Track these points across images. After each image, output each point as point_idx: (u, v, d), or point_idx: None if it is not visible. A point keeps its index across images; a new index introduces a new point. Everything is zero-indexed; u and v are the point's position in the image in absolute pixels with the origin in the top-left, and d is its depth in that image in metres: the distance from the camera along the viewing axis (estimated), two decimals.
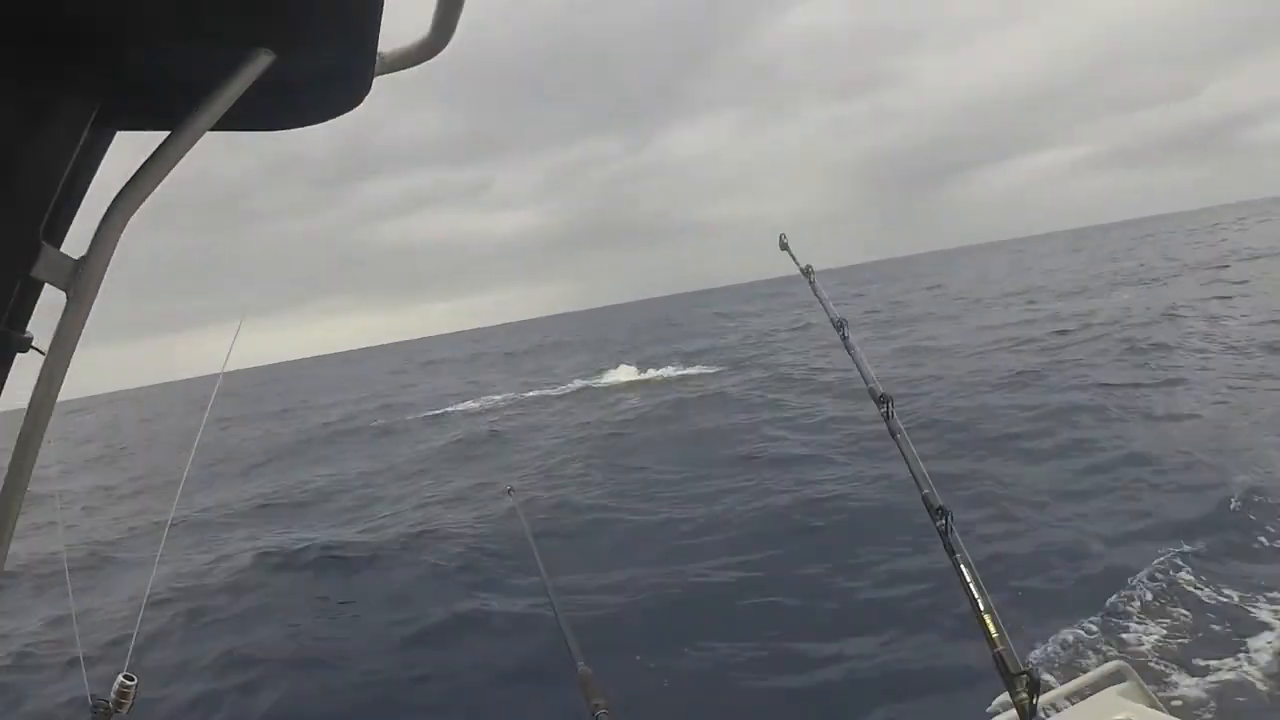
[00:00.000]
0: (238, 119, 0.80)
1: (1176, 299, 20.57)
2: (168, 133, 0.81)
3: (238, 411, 34.11)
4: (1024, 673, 1.62)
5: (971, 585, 1.80)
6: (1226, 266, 27.40)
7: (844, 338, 2.52)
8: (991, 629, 1.71)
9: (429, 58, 0.94)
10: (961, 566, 1.83)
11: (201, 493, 14.72)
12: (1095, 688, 2.64)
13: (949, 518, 1.89)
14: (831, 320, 2.57)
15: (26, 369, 0.82)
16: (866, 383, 2.34)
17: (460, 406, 23.44)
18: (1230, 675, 4.48)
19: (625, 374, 23.77)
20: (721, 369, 22.06)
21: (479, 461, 14.11)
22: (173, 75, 0.79)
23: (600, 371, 25.97)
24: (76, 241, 0.80)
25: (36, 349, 0.80)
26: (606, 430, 15.13)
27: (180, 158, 0.79)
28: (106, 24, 0.67)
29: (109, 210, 0.79)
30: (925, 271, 72.99)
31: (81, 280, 0.78)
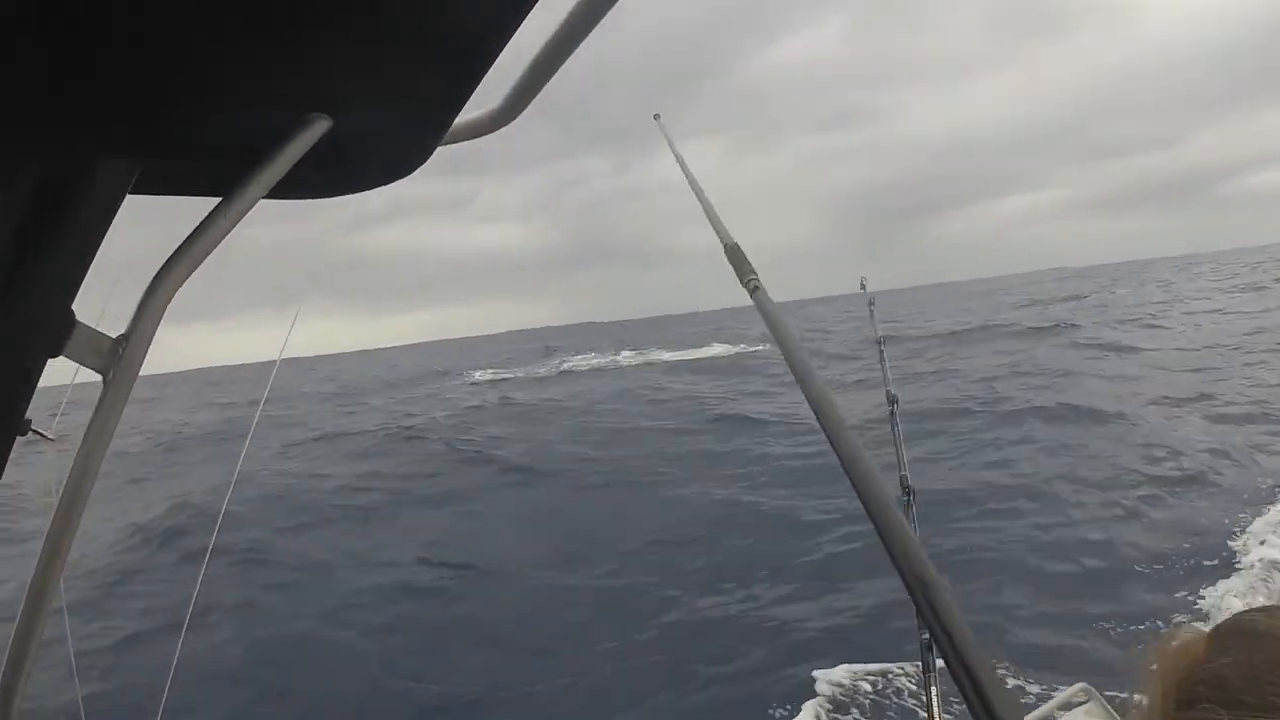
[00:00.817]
0: (288, 187, 0.70)
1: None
2: (199, 197, 0.72)
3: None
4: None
5: None
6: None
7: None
8: None
9: (494, 130, 0.86)
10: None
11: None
12: (1059, 711, 2.55)
13: (912, 495, 2.31)
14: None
15: (30, 450, 0.72)
16: (885, 384, 2.89)
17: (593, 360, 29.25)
18: None
19: (719, 349, 27.76)
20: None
21: None
22: (220, 140, 0.70)
23: (696, 346, 31.02)
24: (89, 309, 0.68)
25: (36, 431, 0.71)
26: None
27: (230, 229, 0.69)
28: (152, 85, 0.58)
29: (153, 284, 0.68)
30: (929, 300, 73.63)
31: (122, 362, 0.67)
